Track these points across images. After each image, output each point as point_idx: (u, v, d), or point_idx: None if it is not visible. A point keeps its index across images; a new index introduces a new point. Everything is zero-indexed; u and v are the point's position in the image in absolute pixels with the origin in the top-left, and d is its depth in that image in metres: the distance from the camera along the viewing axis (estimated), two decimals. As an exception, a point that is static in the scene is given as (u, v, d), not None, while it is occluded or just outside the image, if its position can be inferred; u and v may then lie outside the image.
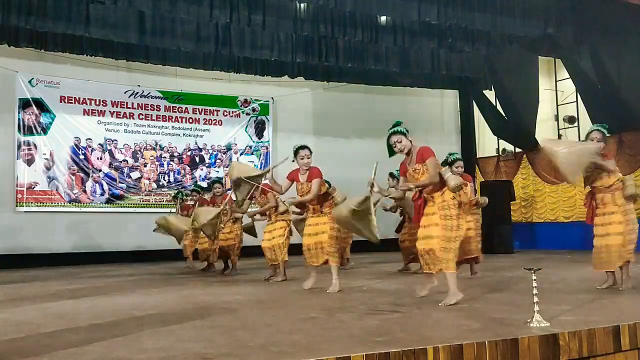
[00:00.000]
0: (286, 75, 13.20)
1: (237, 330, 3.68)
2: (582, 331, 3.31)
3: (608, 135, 8.28)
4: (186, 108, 13.52)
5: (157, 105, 13.24)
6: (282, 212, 7.30)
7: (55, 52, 11.37)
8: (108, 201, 12.67)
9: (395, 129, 4.85)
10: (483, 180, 14.38)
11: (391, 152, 4.91)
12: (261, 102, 14.20)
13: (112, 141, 12.85)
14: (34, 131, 12.06)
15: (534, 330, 3.32)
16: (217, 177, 10.11)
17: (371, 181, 5.18)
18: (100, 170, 12.66)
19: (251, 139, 14.16)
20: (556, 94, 14.33)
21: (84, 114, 12.58)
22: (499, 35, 11.89)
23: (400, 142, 4.82)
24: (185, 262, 10.22)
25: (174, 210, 10.94)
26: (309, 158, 5.97)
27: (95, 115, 12.70)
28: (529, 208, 14.08)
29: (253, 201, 7.65)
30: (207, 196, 9.40)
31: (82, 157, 12.51)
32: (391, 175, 8.17)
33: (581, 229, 12.73)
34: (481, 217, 6.85)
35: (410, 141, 4.86)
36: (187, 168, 13.50)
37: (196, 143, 13.60)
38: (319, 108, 14.53)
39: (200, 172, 13.58)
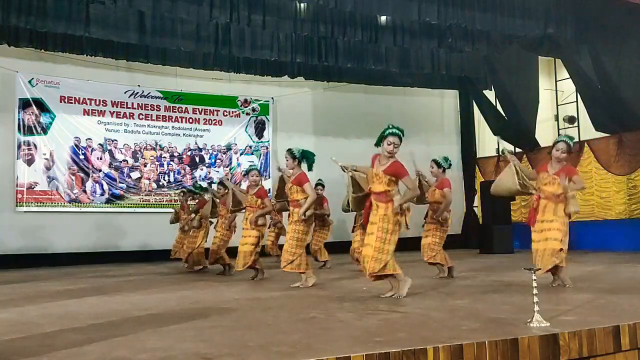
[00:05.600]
0: (286, 75, 13.22)
1: (237, 330, 3.68)
2: (582, 331, 3.31)
3: (608, 135, 8.32)
4: (186, 108, 13.52)
5: (157, 105, 13.24)
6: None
7: (55, 52, 11.38)
8: (108, 201, 12.66)
9: (400, 133, 4.96)
10: (483, 180, 14.37)
11: (379, 142, 5.03)
12: (261, 102, 14.20)
13: (112, 141, 12.85)
14: (34, 131, 12.05)
15: (534, 330, 3.32)
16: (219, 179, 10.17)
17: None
18: (100, 170, 12.66)
19: (251, 139, 14.15)
20: (556, 94, 14.35)
21: (84, 114, 12.58)
22: (499, 35, 11.89)
23: (398, 146, 4.97)
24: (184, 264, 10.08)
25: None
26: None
27: (95, 115, 12.70)
28: (528, 208, 14.07)
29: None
30: (207, 196, 9.41)
31: (82, 157, 12.51)
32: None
33: (580, 229, 12.80)
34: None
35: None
36: (187, 168, 13.50)
37: (196, 143, 13.60)
38: (319, 108, 14.53)
39: (200, 172, 13.58)
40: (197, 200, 9.80)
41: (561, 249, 5.52)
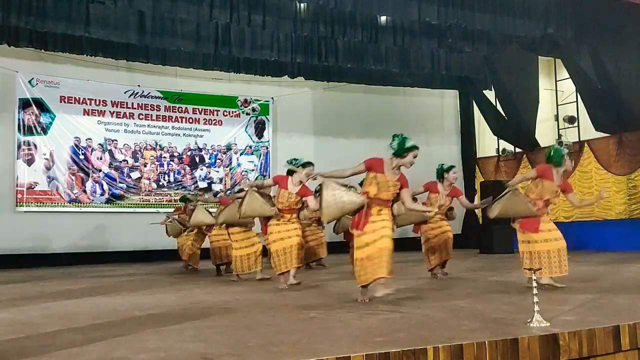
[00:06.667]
0: (286, 75, 13.21)
1: (237, 330, 3.68)
2: (582, 331, 3.31)
3: (608, 135, 8.20)
4: (186, 108, 13.51)
5: (157, 105, 13.23)
6: None
7: (55, 52, 11.38)
8: (108, 201, 12.66)
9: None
10: (483, 180, 14.38)
11: (402, 152, 4.83)
12: (261, 102, 14.20)
13: (112, 141, 12.84)
14: (34, 131, 12.05)
15: (534, 330, 3.32)
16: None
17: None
18: (100, 170, 12.66)
19: (251, 139, 14.15)
20: (556, 94, 14.33)
21: (84, 114, 12.58)
22: (499, 35, 11.89)
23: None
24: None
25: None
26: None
27: (95, 115, 12.69)
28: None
29: None
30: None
31: (82, 157, 12.51)
32: None
33: (580, 229, 12.80)
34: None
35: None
36: (187, 168, 13.50)
37: (196, 143, 13.59)
38: (319, 108, 14.53)
39: (200, 172, 13.58)
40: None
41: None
